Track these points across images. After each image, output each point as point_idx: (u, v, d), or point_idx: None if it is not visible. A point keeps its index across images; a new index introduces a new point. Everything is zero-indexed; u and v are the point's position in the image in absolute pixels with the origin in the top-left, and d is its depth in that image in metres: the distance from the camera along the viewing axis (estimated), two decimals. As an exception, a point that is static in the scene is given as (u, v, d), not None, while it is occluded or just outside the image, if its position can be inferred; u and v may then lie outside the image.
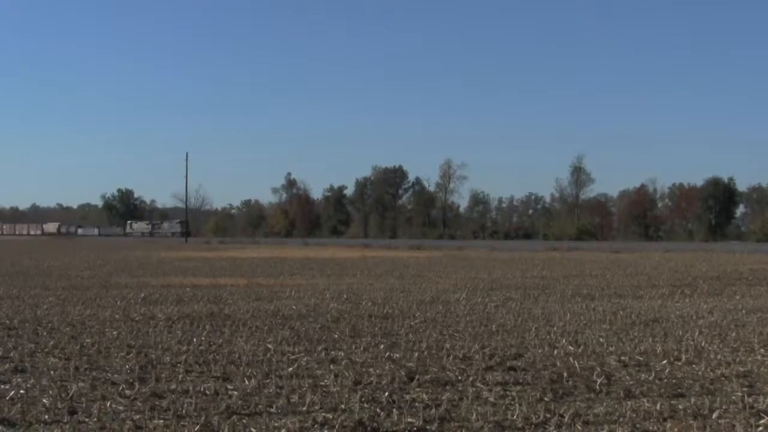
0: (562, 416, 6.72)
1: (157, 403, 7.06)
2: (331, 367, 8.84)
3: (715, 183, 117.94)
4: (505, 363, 9.12)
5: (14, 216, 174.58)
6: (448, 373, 8.52)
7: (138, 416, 6.64)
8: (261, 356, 9.45)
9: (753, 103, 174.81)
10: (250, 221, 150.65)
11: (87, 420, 6.54)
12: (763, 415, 6.81)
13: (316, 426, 6.43)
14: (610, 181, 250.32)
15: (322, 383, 7.98)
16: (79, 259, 38.77)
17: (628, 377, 8.45)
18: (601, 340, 11.03)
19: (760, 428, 6.45)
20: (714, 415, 6.82)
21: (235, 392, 7.49)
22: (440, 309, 15.00)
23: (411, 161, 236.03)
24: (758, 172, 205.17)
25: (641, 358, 9.52)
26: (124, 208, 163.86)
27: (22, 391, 7.43)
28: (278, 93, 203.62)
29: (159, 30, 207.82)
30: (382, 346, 10.20)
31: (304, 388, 7.68)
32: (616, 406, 7.15)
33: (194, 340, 10.69)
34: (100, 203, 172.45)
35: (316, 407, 6.97)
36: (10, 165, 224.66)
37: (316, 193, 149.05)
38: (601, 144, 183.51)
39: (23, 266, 30.88)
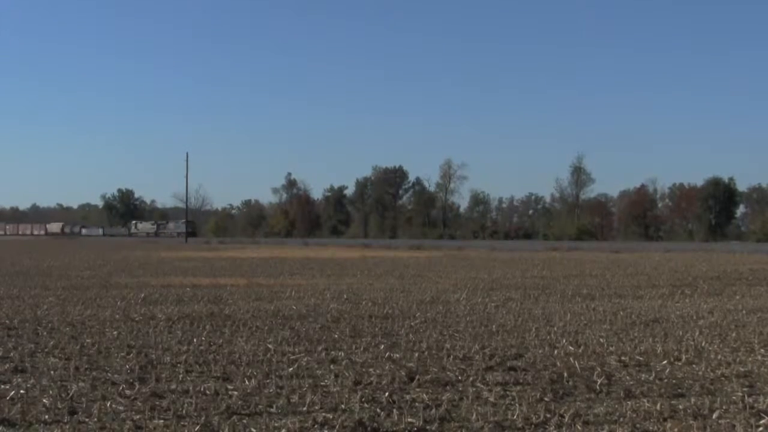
0: (562, 416, 6.72)
1: (157, 403, 7.06)
2: (332, 367, 8.84)
3: (715, 183, 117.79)
4: (505, 363, 9.12)
5: (14, 216, 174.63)
6: (448, 373, 8.52)
7: (138, 416, 6.64)
8: (261, 356, 9.45)
9: (753, 103, 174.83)
10: (250, 221, 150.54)
11: (87, 420, 6.54)
12: (763, 415, 6.81)
13: (316, 426, 6.43)
14: (610, 181, 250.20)
15: (322, 383, 7.98)
16: (79, 259, 38.79)
17: (628, 377, 8.45)
18: (601, 340, 11.03)
19: (760, 428, 6.45)
20: (714, 415, 6.82)
21: (236, 392, 7.49)
22: (440, 309, 15.00)
23: (411, 161, 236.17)
24: (758, 172, 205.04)
25: (641, 358, 9.52)
26: (124, 208, 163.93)
27: (22, 391, 7.44)
28: (278, 93, 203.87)
29: (159, 30, 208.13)
30: (382, 347, 10.20)
31: (305, 388, 7.68)
32: (616, 406, 7.15)
33: (194, 340, 10.69)
34: (100, 203, 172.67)
35: (317, 407, 6.97)
36: (10, 165, 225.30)
37: (316, 193, 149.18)
38: (601, 144, 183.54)
39: (23, 266, 30.89)
